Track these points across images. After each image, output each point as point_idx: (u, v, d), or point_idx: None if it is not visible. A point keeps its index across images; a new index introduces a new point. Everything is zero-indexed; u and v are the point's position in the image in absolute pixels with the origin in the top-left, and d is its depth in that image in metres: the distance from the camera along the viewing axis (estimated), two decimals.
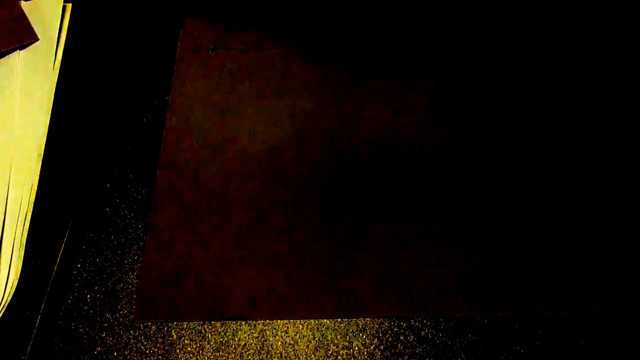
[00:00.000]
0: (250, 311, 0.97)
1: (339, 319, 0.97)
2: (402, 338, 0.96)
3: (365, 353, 0.94)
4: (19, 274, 0.90)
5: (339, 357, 0.94)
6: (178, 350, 0.94)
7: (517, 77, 1.25)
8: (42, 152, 1.00)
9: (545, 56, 1.28)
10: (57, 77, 1.07)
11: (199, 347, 0.94)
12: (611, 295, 0.99)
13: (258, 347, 0.94)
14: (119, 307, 0.98)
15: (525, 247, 1.04)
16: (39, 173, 0.98)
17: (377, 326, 0.97)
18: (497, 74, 1.25)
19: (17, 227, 0.93)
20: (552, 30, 1.32)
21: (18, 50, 1.06)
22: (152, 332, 0.96)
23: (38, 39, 1.08)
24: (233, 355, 0.93)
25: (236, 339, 0.95)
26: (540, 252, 1.03)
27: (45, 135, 1.02)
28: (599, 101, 1.22)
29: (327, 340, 0.96)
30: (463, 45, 1.29)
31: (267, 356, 0.94)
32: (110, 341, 0.94)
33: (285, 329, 0.96)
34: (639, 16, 1.33)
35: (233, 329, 0.96)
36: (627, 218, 1.08)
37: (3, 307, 0.87)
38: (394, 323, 0.97)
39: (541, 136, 1.17)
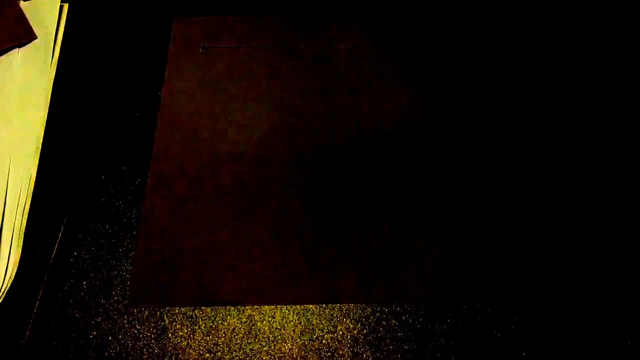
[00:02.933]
0: (239, 297, 1.00)
1: (324, 305, 1.00)
2: (384, 323, 0.99)
3: (349, 337, 0.98)
4: (18, 262, 0.93)
5: (323, 341, 0.97)
6: (170, 334, 0.97)
7: (517, 76, 1.26)
8: (40, 145, 1.03)
9: (545, 56, 1.29)
10: (54, 73, 1.10)
11: (190, 331, 0.97)
12: (611, 296, 1.01)
13: (246, 331, 0.98)
14: (114, 293, 1.01)
15: (522, 246, 1.06)
16: (37, 165, 1.01)
17: (361, 311, 1.00)
18: (497, 72, 1.27)
19: (17, 217, 0.96)
20: (552, 29, 1.33)
21: (17, 48, 1.08)
22: (145, 317, 0.99)
23: (36, 38, 1.11)
24: (223, 339, 0.97)
25: (225, 324, 0.98)
26: (538, 252, 1.06)
27: (43, 129, 1.04)
28: (598, 100, 1.24)
29: (313, 325, 0.99)
30: (463, 43, 1.31)
31: (255, 340, 0.97)
32: (105, 325, 0.97)
33: (273, 314, 0.99)
34: (639, 16, 1.34)
35: (222, 314, 0.99)
36: (625, 218, 1.10)
37: (3, 294, 0.91)
38: (377, 308, 1.00)
39: (541, 134, 1.19)
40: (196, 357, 0.95)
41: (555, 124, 1.21)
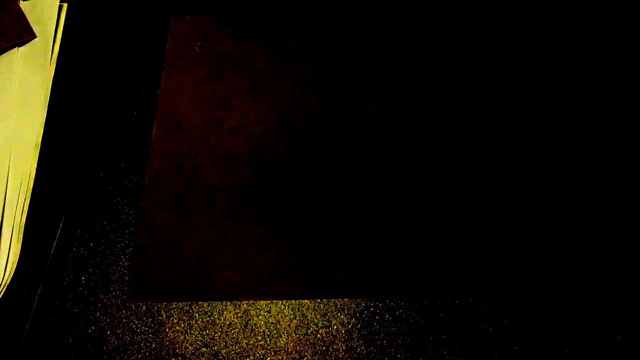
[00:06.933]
0: (235, 292, 1.02)
1: (319, 300, 1.02)
2: (377, 317, 1.01)
3: (343, 331, 0.99)
4: (17, 257, 0.94)
5: (318, 336, 0.99)
6: (167, 329, 0.98)
7: (515, 75, 1.28)
8: (40, 142, 1.04)
9: (545, 56, 1.31)
10: (53, 72, 1.11)
11: (187, 325, 0.99)
12: (604, 291, 1.04)
13: (242, 325, 0.99)
14: (112, 288, 1.02)
15: (515, 244, 1.08)
16: (36, 162, 1.02)
17: (355, 306, 1.02)
18: (494, 72, 1.28)
19: (16, 213, 0.97)
20: (551, 29, 1.35)
21: (17, 47, 1.09)
22: (142, 311, 1.00)
23: (36, 37, 1.12)
24: (219, 334, 0.98)
25: (222, 318, 1.00)
26: (532, 249, 1.08)
27: (43, 127, 1.05)
28: (595, 99, 1.25)
29: (307, 319, 1.00)
30: (461, 44, 1.32)
31: (251, 334, 0.98)
32: (104, 320, 0.99)
33: (268, 308, 1.01)
34: (639, 16, 1.35)
35: (219, 309, 1.00)
36: (619, 214, 1.12)
37: (3, 288, 0.92)
38: (371, 303, 1.02)
39: (528, 132, 1.21)
40: (193, 351, 0.97)
41: (547, 122, 1.22)
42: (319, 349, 0.97)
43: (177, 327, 0.99)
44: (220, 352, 0.97)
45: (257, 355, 0.97)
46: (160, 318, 0.99)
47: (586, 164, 1.17)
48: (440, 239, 1.08)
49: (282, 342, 0.98)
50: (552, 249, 1.07)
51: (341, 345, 0.98)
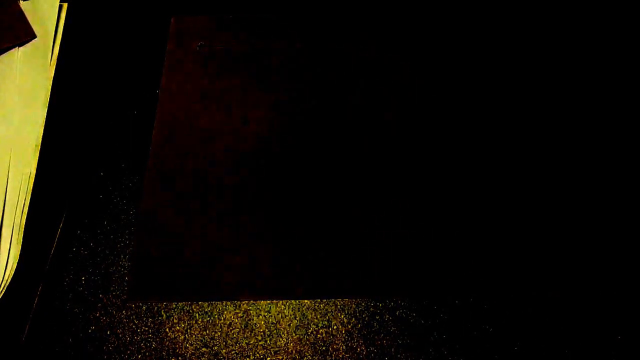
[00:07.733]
0: (236, 292, 1.02)
1: (319, 300, 1.02)
2: (378, 318, 1.01)
3: (343, 332, 0.99)
4: (17, 257, 0.95)
5: (318, 336, 0.99)
6: (167, 329, 0.98)
7: (515, 76, 1.28)
8: (40, 142, 1.05)
9: (544, 56, 1.31)
10: (53, 72, 1.12)
11: (187, 325, 0.99)
12: (605, 291, 1.04)
13: (242, 325, 0.99)
14: (112, 288, 1.02)
15: (515, 244, 1.08)
16: (36, 162, 1.03)
17: (355, 306, 1.02)
18: (495, 72, 1.28)
19: (17, 213, 0.97)
20: (547, 26, 1.35)
21: (17, 48, 1.10)
22: (142, 312, 1.00)
23: (36, 37, 1.12)
24: (219, 334, 0.98)
25: (222, 319, 1.00)
26: (532, 248, 1.08)
27: (43, 127, 1.06)
28: (593, 100, 1.25)
29: (308, 319, 1.00)
30: (462, 44, 1.32)
31: (251, 334, 0.98)
32: (104, 320, 0.99)
33: (268, 309, 1.01)
34: (639, 16, 1.35)
35: (219, 309, 1.00)
36: (619, 214, 1.12)
37: (3, 289, 0.92)
38: (371, 303, 1.02)
39: (524, 133, 1.21)
40: (193, 351, 0.97)
41: (547, 122, 1.22)
42: (319, 349, 0.98)
43: (177, 327, 0.99)
44: (220, 352, 0.97)
45: (257, 355, 0.97)
46: (160, 318, 0.99)
47: (586, 164, 1.17)
48: (440, 239, 1.08)
49: (282, 342, 0.98)
50: (552, 249, 1.07)
51: (341, 345, 0.98)
